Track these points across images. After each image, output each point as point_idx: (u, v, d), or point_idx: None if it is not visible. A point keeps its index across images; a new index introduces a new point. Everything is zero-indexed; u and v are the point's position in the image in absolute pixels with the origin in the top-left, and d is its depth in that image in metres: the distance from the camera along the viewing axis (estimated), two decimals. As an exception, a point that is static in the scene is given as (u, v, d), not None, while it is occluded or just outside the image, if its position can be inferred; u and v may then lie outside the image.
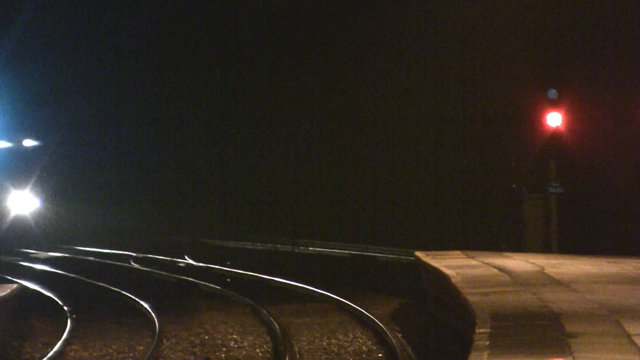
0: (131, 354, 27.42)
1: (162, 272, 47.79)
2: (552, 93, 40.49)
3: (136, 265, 53.20)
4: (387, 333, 25.63)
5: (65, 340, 29.69)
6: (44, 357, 27.44)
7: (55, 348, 28.45)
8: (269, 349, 26.04)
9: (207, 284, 39.89)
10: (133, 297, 35.92)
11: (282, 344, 25.68)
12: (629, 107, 38.52)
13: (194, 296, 37.71)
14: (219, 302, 35.23)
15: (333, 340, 26.60)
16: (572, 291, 25.52)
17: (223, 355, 26.02)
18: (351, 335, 27.11)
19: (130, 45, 79.68)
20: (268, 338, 27.53)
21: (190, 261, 53.55)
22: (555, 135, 40.28)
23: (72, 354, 28.27)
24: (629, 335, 18.06)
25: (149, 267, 51.44)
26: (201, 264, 51.86)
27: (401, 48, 48.28)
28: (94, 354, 28.03)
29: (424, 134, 44.17)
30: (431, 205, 43.47)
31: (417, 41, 45.82)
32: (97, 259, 58.95)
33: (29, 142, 65.17)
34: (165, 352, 27.45)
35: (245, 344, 27.04)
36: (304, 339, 27.19)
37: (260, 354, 25.77)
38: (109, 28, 73.62)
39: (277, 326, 27.88)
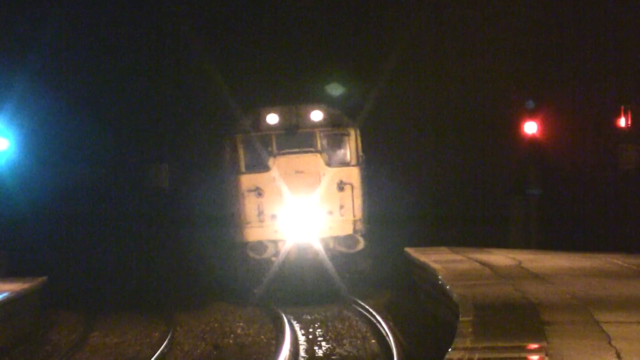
0: (148, 340, 27.78)
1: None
2: (530, 103, 40.69)
3: None
4: (380, 321, 25.71)
5: (87, 328, 30.16)
6: (68, 344, 27.81)
7: (79, 335, 28.81)
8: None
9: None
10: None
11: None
12: (599, 115, 38.59)
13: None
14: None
15: (331, 327, 26.58)
16: (548, 283, 25.54)
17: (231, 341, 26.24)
18: (347, 324, 27.11)
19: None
20: (272, 326, 27.63)
21: None
22: (532, 141, 40.38)
23: (93, 340, 28.42)
24: (598, 323, 17.98)
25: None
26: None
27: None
28: (115, 340, 28.22)
29: (422, 137, 43.96)
30: (420, 204, 43.46)
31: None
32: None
33: None
34: (179, 338, 27.70)
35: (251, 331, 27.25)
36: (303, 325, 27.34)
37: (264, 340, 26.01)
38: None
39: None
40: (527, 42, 40.85)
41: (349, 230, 27.34)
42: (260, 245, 26.69)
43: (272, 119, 28.73)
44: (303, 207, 25.89)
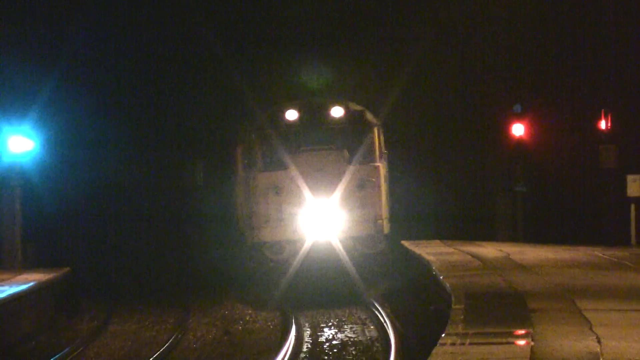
0: (163, 326, 28.08)
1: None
2: (517, 108, 40.39)
3: None
4: (379, 309, 25.69)
5: (108, 315, 30.41)
6: (90, 330, 28.11)
7: (100, 322, 29.09)
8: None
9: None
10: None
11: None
12: (581, 118, 39.10)
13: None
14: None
15: (332, 314, 26.49)
16: (534, 274, 25.97)
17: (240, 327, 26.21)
18: (348, 311, 26.91)
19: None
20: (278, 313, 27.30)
21: None
22: (519, 142, 40.10)
23: (113, 327, 28.84)
24: (580, 311, 18.41)
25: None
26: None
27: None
28: (133, 326, 28.60)
29: (423, 137, 43.95)
30: (419, 202, 43.40)
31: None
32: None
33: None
34: (192, 324, 27.94)
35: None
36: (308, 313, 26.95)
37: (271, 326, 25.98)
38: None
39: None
40: (516, 52, 40.61)
41: (370, 230, 25.78)
42: (278, 246, 25.08)
43: (292, 115, 26.92)
44: (323, 206, 24.25)
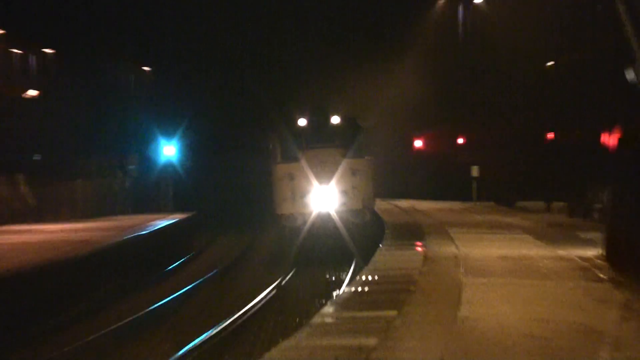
0: (244, 238, 28.30)
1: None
2: (416, 133, 40.26)
3: None
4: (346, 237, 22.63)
5: (215, 237, 30.53)
6: (204, 242, 28.66)
7: (209, 239, 29.59)
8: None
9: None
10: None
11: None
12: (449, 138, 38.71)
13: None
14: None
15: (326, 252, 22.89)
16: (426, 215, 26.31)
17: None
18: (337, 252, 23.18)
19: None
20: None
21: None
22: (419, 150, 40.52)
23: (218, 240, 29.72)
24: (448, 232, 19.23)
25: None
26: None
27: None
28: (227, 241, 29.13)
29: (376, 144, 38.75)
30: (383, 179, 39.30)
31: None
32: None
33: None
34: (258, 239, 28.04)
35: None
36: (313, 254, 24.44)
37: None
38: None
39: None
40: (419, 107, 39.67)
41: (359, 205, 21.56)
42: (291, 218, 21.29)
43: (302, 122, 23.11)
44: (324, 188, 20.87)
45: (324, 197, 20.37)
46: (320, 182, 20.53)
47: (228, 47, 40.59)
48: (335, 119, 22.38)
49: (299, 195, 20.67)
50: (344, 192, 20.50)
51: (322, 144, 21.51)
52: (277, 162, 20.97)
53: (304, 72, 40.55)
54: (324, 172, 20.53)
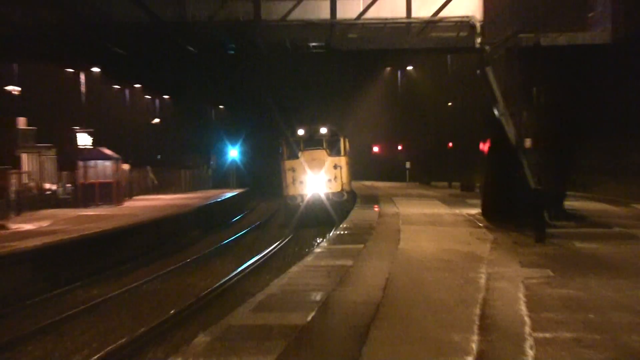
0: (271, 207, 26.71)
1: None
2: (375, 146, 38.52)
3: None
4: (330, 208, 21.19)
5: (258, 203, 30.09)
6: (253, 206, 28.26)
7: (256, 204, 29.44)
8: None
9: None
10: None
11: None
12: (393, 145, 36.54)
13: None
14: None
15: (317, 220, 19.44)
16: (380, 190, 26.18)
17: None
18: (323, 219, 19.63)
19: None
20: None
21: None
22: (375, 154, 39.43)
23: (259, 205, 28.95)
24: (393, 200, 19.43)
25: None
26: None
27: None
28: (264, 205, 28.58)
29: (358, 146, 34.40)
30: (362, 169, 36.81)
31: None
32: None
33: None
34: (267, 203, 27.24)
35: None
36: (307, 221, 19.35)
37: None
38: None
39: None
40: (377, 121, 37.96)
41: (339, 189, 20.47)
42: (293, 198, 19.56)
43: (301, 132, 21.94)
44: (316, 178, 18.67)
45: (315, 183, 19.55)
46: (313, 173, 19.61)
47: (264, 93, 40.40)
48: (323, 130, 21.96)
49: (298, 182, 19.55)
50: (329, 180, 19.54)
51: (314, 147, 20.62)
52: (284, 159, 19.94)
53: (303, 103, 41.03)
54: (316, 166, 19.68)
